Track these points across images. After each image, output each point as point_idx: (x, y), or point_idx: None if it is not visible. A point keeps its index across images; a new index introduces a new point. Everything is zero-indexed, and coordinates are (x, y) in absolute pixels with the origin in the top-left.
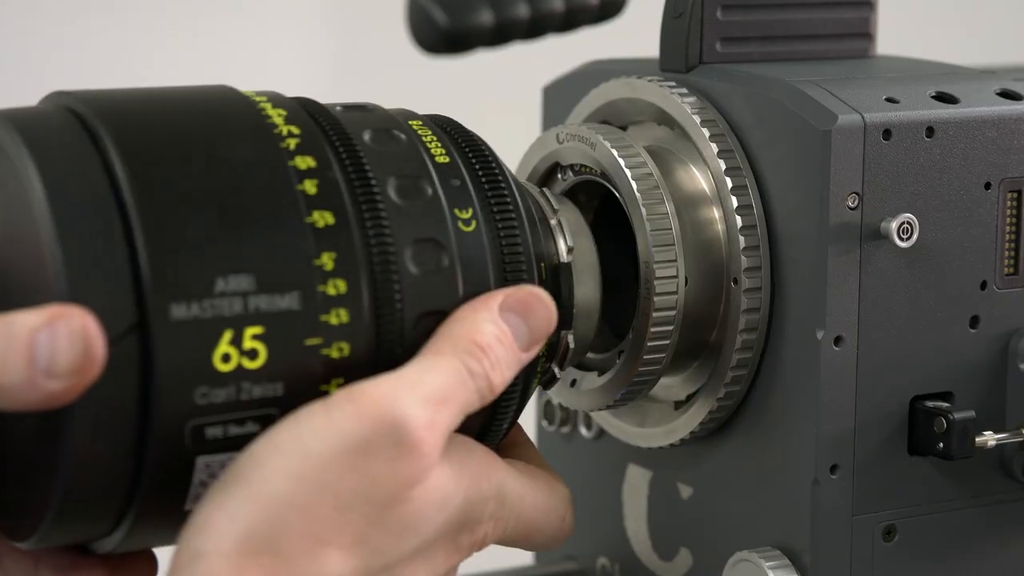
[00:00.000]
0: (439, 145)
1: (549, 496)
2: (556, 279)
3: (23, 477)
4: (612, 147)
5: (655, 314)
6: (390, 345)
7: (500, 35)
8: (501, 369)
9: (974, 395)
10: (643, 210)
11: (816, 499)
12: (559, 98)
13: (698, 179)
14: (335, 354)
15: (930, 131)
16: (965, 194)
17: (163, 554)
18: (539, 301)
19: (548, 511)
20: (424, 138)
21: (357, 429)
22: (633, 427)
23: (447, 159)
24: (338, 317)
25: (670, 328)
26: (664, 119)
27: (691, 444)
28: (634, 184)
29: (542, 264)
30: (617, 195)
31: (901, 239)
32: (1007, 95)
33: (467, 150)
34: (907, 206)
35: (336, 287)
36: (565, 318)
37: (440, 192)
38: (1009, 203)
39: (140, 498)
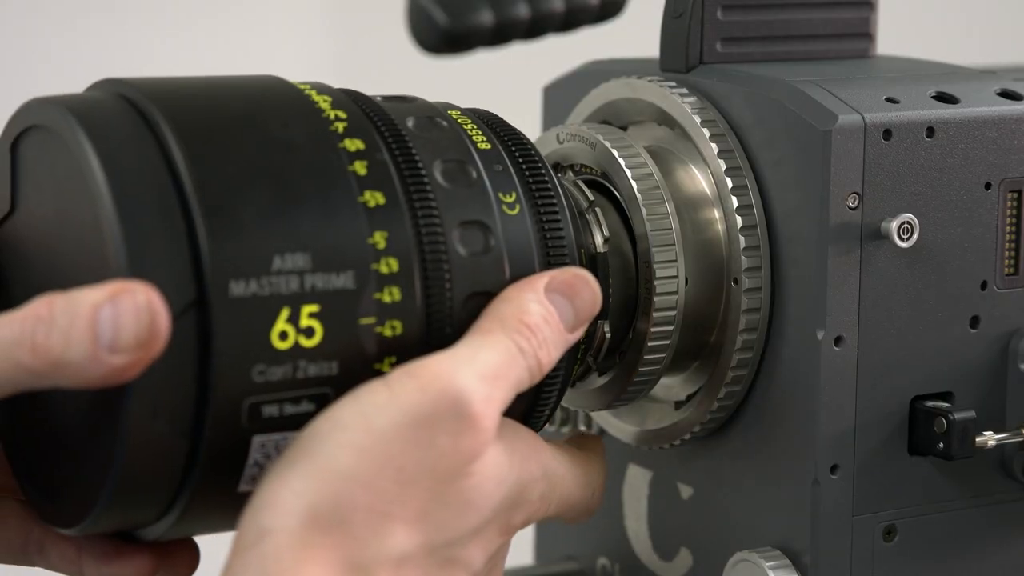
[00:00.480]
0: (480, 133)
1: (585, 471)
2: (593, 269)
3: (75, 460)
4: (612, 147)
5: (655, 314)
6: (440, 324)
7: (500, 35)
8: (548, 348)
9: (974, 395)
10: (643, 210)
11: (816, 499)
12: (559, 98)
13: (698, 179)
14: (388, 332)
15: (930, 131)
16: (965, 194)
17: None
18: (584, 283)
19: (584, 486)
20: (465, 126)
21: (419, 403)
22: (633, 427)
23: (489, 146)
24: (391, 295)
25: (670, 328)
26: (664, 119)
27: (691, 444)
28: (634, 184)
29: (581, 251)
30: (617, 195)
31: (901, 239)
32: (1007, 95)
33: (507, 139)
34: (907, 206)
35: (388, 265)
36: (602, 309)
37: (484, 176)
38: (1009, 203)
39: (195, 479)
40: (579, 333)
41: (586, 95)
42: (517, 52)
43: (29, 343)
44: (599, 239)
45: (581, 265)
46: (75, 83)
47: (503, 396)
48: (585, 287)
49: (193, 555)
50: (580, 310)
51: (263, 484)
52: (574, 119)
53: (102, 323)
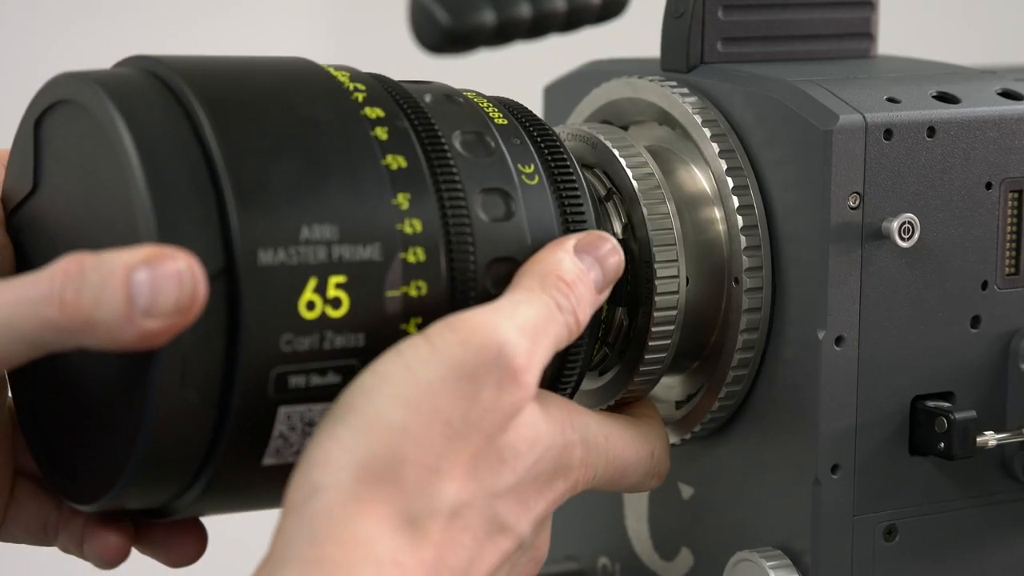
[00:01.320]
0: (496, 110)
1: (635, 434)
2: None
3: (99, 432)
4: (613, 147)
5: (656, 314)
6: (464, 287)
7: (502, 35)
8: (584, 306)
9: (975, 395)
10: (644, 210)
11: (817, 499)
12: (560, 98)
13: (699, 179)
14: (413, 292)
15: (931, 131)
16: (966, 194)
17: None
18: (609, 244)
19: (637, 449)
20: (481, 104)
21: (462, 356)
22: None
23: (506, 121)
24: (415, 256)
25: (671, 328)
26: (665, 119)
27: (692, 444)
28: (635, 184)
29: None
30: (618, 194)
31: (902, 239)
32: (1008, 95)
33: (523, 119)
34: (908, 206)
35: (413, 226)
36: (642, 304)
37: (503, 147)
38: (1010, 203)
39: (220, 451)
40: (606, 294)
41: (587, 95)
42: (518, 51)
43: (58, 299)
44: (617, 227)
45: None
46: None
47: (544, 352)
48: (611, 248)
49: (201, 539)
50: (607, 271)
51: (312, 441)
52: (575, 119)
53: (137, 285)
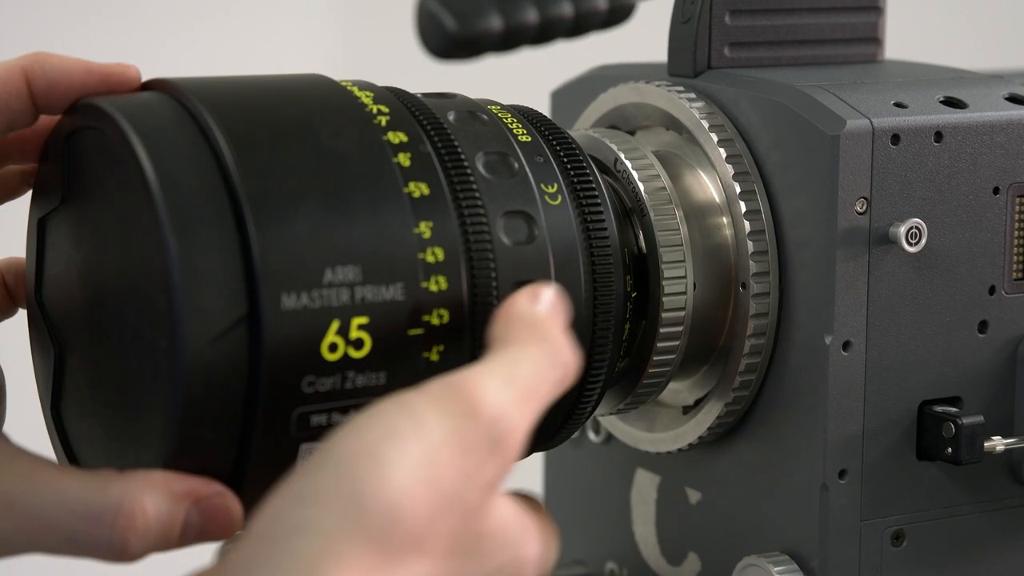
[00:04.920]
0: (520, 127)
1: (542, 532)
2: (637, 269)
3: (124, 458)
4: (620, 152)
5: (664, 317)
6: (485, 314)
7: (509, 40)
8: (572, 352)
9: (982, 400)
10: (651, 214)
11: (825, 504)
12: (567, 103)
13: (706, 184)
14: (435, 321)
15: (938, 136)
16: (973, 199)
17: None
18: (561, 295)
19: (542, 546)
20: (505, 120)
21: (465, 425)
22: (641, 432)
23: (529, 138)
24: (437, 284)
25: (679, 330)
26: (672, 124)
27: (700, 449)
28: (641, 187)
29: (625, 250)
30: (626, 200)
31: (909, 244)
32: (1015, 100)
33: (547, 133)
34: (915, 211)
35: (435, 255)
36: (650, 309)
37: (527, 167)
38: (1017, 208)
39: (242, 487)
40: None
41: (594, 100)
42: (525, 56)
43: (106, 541)
44: (643, 242)
45: (625, 262)
46: None
47: (533, 417)
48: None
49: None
50: (566, 318)
51: (312, 468)
52: (582, 124)
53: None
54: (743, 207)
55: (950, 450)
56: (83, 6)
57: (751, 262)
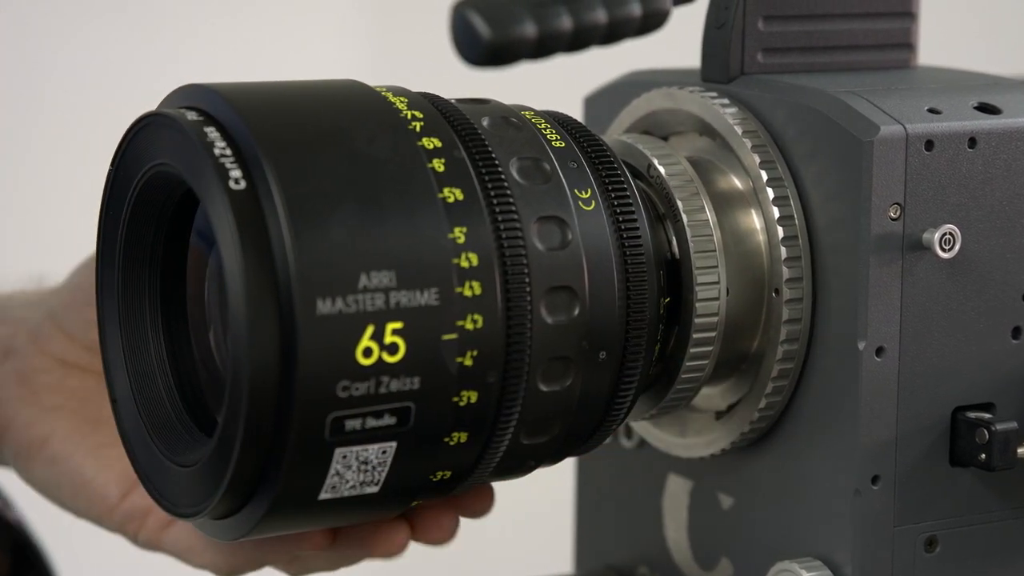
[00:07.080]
0: (553, 131)
1: None
2: (670, 274)
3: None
4: (653, 157)
5: (697, 322)
6: (520, 318)
7: (543, 48)
8: None
9: (1016, 406)
10: (684, 220)
11: (858, 510)
12: (600, 109)
13: (739, 189)
14: (469, 326)
15: (972, 142)
16: (1007, 205)
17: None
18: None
19: None
20: (539, 125)
21: None
22: (674, 437)
23: (563, 144)
24: (471, 290)
25: (712, 336)
26: (705, 129)
27: (732, 454)
28: (675, 192)
29: (658, 255)
30: (659, 204)
31: (943, 250)
32: None
33: (580, 138)
34: (949, 217)
35: (469, 260)
36: (683, 314)
37: (560, 173)
38: None
39: (275, 490)
40: None
41: (627, 105)
42: (558, 62)
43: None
44: (676, 248)
45: (657, 269)
46: (120, 79)
47: None
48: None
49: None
50: None
51: None
52: (615, 130)
53: None
54: (776, 213)
55: (983, 456)
56: (120, 11)
57: (784, 267)
